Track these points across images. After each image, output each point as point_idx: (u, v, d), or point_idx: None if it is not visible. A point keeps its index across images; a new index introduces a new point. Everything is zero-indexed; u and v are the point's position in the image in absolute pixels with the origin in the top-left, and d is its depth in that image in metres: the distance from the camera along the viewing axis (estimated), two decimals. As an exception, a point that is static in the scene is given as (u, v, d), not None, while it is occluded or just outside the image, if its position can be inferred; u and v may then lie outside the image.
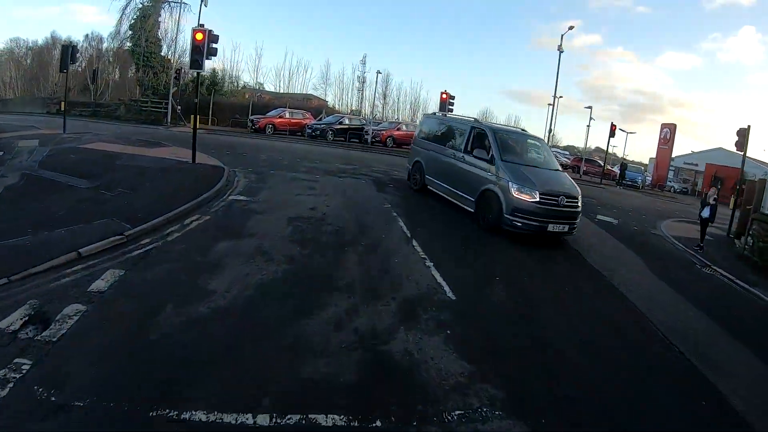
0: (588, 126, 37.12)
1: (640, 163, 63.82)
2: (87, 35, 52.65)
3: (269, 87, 57.10)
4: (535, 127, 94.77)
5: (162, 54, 38.49)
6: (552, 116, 42.88)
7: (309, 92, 58.22)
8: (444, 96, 26.07)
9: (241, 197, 10.17)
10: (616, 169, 40.22)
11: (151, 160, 13.20)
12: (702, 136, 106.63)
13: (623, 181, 35.99)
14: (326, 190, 11.66)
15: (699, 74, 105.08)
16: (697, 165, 49.76)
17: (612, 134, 33.58)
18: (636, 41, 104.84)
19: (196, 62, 12.45)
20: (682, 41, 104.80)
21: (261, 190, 11.01)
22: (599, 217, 14.47)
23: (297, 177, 12.90)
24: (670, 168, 46.40)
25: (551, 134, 55.23)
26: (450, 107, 26.10)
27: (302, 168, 14.60)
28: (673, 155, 46.95)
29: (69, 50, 18.99)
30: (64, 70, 19.59)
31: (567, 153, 50.17)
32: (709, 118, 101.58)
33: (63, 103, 24.01)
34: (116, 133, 19.97)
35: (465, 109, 69.21)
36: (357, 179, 13.85)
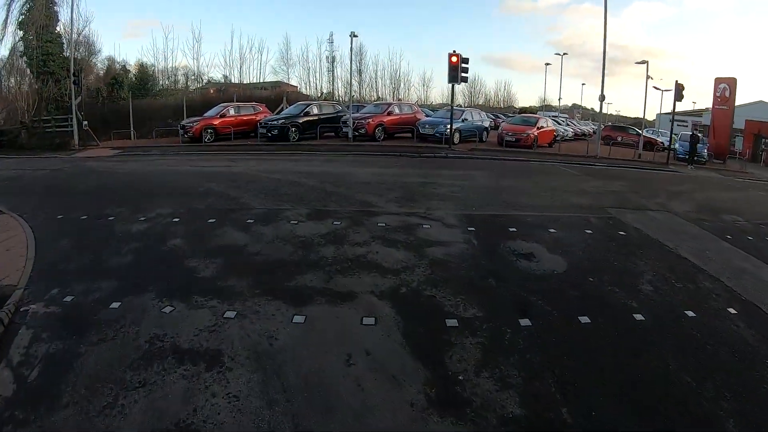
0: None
1: (637, 119, 57.65)
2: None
3: (217, 76, 48.89)
4: (527, 94, 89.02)
5: (65, 55, 30.64)
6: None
7: (267, 79, 50.01)
8: (454, 58, 19.07)
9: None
10: (662, 139, 31.34)
11: None
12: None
13: (695, 158, 25.78)
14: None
15: (669, 23, 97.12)
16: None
17: (680, 96, 24.72)
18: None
19: None
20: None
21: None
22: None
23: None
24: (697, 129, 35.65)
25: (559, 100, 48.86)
26: (464, 74, 19.27)
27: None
28: (663, 111, 38.15)
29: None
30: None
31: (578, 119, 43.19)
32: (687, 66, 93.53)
33: None
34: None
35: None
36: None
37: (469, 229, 8.17)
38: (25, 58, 31.16)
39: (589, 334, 4.99)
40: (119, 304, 5.52)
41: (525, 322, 5.12)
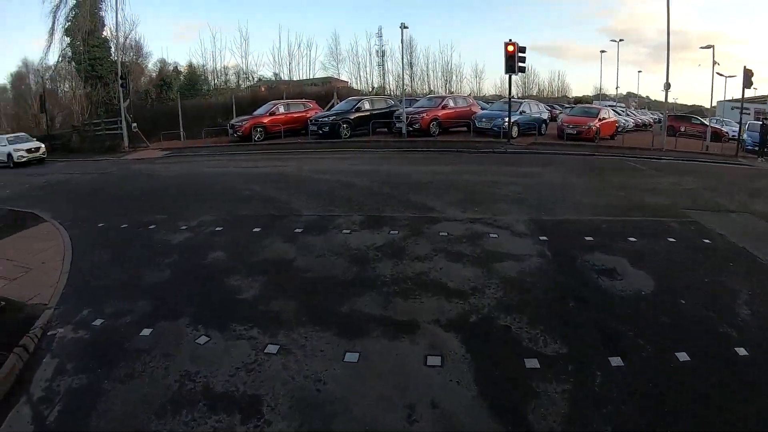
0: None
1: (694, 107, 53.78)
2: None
3: (267, 74, 49.09)
4: (581, 84, 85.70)
5: (112, 59, 31.45)
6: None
7: (317, 75, 50.00)
8: (511, 48, 18.16)
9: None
10: (729, 129, 28.78)
11: None
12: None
13: (766, 149, 22.65)
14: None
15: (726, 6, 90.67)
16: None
17: (748, 83, 22.69)
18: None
19: None
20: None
21: None
22: None
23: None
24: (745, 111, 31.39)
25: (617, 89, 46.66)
26: (521, 64, 18.44)
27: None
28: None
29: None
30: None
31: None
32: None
33: None
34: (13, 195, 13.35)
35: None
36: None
37: (541, 238, 7.29)
38: (74, 63, 32.21)
39: (689, 377, 4.06)
40: (151, 330, 5.00)
41: (616, 361, 4.24)
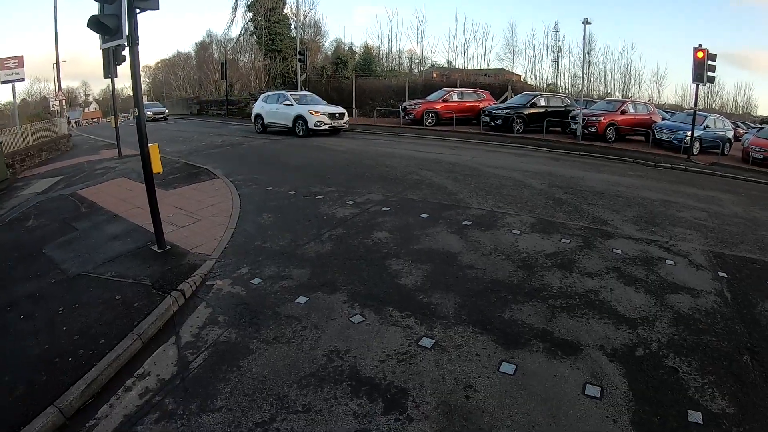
0: None
1: None
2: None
3: (441, 61, 49.91)
4: None
5: (292, 35, 34.21)
6: None
7: (491, 65, 49.65)
8: (701, 54, 16.92)
9: None
10: None
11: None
12: None
13: None
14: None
15: None
16: None
17: None
18: None
19: None
20: None
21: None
22: None
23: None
24: None
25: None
26: (710, 73, 17.62)
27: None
28: None
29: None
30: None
31: None
32: None
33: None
34: (191, 150, 15.07)
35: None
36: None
37: (720, 275, 6.40)
38: (255, 37, 35.62)
39: None
40: (306, 300, 5.20)
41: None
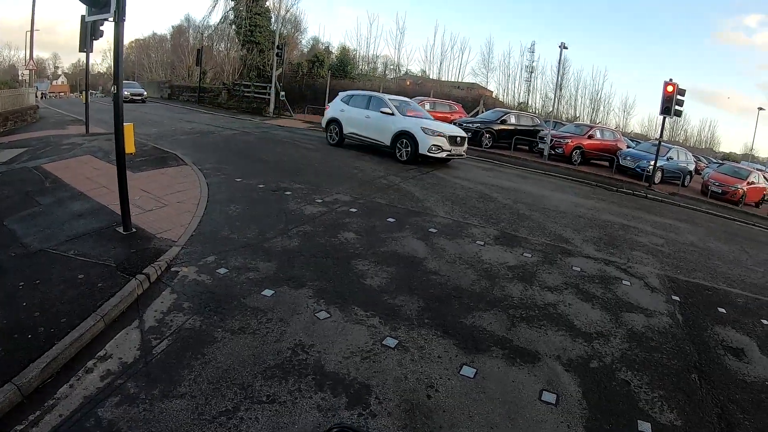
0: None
1: None
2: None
3: (415, 70, 50.56)
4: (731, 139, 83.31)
5: (271, 28, 34.03)
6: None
7: (465, 79, 50.65)
8: (670, 88, 17.93)
9: None
10: None
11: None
12: None
13: None
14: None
15: None
16: None
17: None
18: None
19: None
20: None
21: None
22: None
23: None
24: None
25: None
26: (678, 107, 18.64)
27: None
28: None
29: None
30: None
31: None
32: None
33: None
34: (160, 134, 14.88)
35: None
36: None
37: (674, 298, 6.86)
38: (234, 26, 35.35)
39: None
40: (272, 293, 5.22)
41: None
